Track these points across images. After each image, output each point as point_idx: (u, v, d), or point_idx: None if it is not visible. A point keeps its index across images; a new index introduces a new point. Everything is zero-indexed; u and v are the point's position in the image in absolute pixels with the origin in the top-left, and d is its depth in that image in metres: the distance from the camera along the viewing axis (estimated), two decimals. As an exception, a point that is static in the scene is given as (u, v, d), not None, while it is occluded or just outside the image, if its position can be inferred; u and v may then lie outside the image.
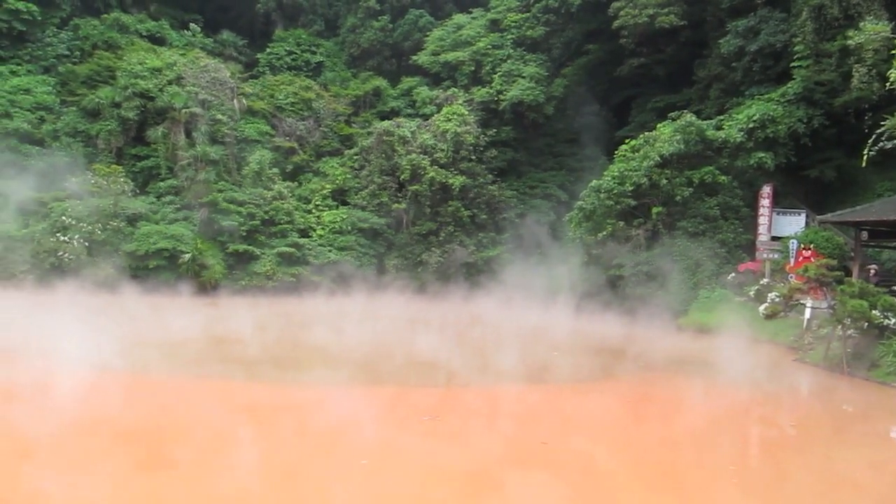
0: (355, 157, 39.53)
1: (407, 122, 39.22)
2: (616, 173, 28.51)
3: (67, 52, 38.94)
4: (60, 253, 30.95)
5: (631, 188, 27.82)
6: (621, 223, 28.22)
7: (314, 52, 44.79)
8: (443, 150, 37.46)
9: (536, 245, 34.77)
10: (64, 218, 31.88)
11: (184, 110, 35.62)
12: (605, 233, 28.33)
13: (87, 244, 31.65)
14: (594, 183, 28.99)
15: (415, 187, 36.98)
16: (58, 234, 31.49)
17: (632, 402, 15.29)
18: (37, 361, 16.51)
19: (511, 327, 25.83)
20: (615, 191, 27.97)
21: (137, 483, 8.99)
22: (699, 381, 17.33)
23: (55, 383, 14.74)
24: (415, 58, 43.35)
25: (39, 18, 38.12)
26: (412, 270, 36.65)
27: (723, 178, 27.63)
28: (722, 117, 29.20)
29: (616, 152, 30.41)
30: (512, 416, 13.66)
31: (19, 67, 37.44)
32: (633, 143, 29.86)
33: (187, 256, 32.44)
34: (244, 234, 34.80)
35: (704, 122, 28.47)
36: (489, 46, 41.25)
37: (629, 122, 37.14)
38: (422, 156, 37.29)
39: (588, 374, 18.34)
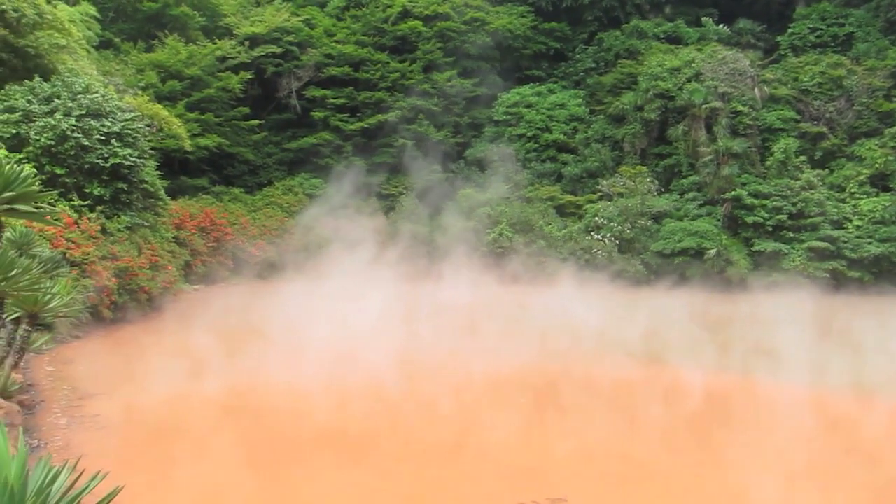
0: (900, 136, 34.72)
1: (967, 89, 33.09)
2: None
3: (594, 65, 42.51)
4: (595, 250, 33.61)
5: None
6: None
7: (842, 25, 40.61)
8: None
9: None
10: (597, 218, 34.63)
11: (703, 106, 35.64)
12: None
13: (616, 242, 33.81)
14: None
15: (981, 165, 30.99)
16: (591, 233, 34.33)
17: None
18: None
19: None
20: None
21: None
22: None
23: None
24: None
25: (570, 34, 42.72)
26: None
27: None
28: None
29: None
30: None
31: (555, 85, 42.13)
32: None
33: (712, 252, 32.34)
34: (770, 228, 33.33)
35: None
36: None
37: None
38: None
39: None
